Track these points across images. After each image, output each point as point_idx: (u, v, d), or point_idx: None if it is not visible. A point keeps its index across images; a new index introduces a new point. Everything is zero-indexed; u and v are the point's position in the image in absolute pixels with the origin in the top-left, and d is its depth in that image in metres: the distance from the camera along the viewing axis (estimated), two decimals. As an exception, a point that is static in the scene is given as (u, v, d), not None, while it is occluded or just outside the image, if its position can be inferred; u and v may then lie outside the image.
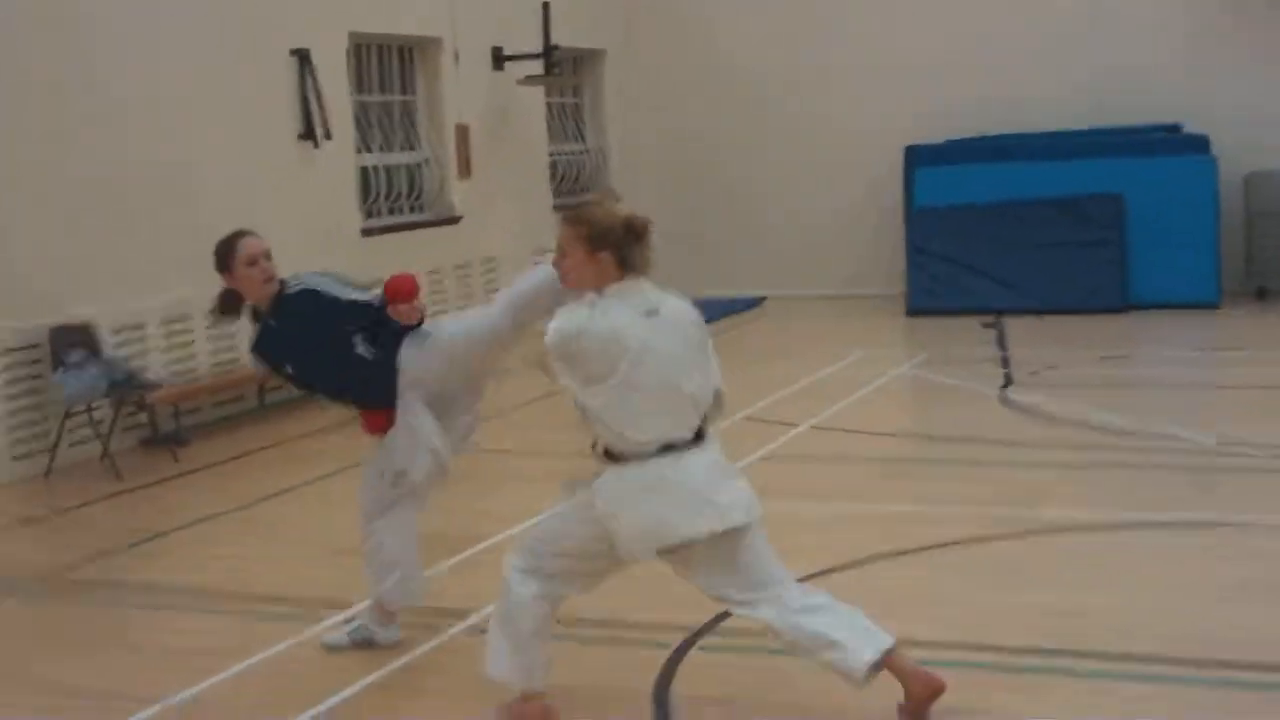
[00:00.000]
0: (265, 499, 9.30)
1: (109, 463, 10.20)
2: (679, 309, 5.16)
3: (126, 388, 10.29)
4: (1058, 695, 5.57)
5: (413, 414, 6.12)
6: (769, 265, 18.66)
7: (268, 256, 6.15)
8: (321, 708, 5.72)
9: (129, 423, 10.78)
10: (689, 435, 5.07)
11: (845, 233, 18.43)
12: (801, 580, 6.68)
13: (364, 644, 6.36)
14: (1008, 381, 12.18)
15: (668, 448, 5.01)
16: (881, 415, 11.18)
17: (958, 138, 17.56)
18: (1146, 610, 6.42)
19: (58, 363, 10.16)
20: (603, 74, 18.64)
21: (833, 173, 18.35)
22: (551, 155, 17.58)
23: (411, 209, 15.07)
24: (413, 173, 15.04)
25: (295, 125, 12.96)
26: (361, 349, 6.10)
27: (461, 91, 15.27)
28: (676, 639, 6.21)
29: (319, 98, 13.02)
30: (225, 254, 6.15)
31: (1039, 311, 15.99)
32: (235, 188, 11.86)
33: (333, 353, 6.11)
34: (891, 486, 8.93)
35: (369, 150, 14.36)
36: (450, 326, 6.25)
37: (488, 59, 15.78)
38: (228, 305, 6.35)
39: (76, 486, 9.92)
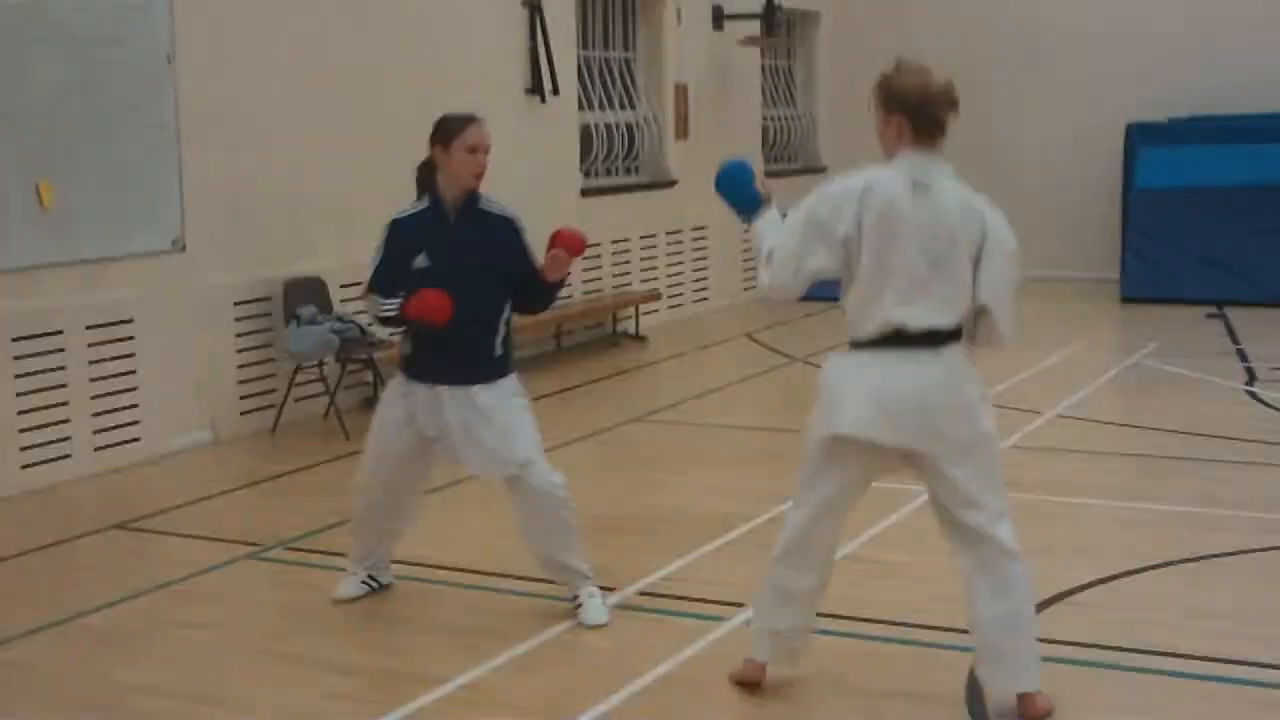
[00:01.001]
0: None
1: (336, 421, 9.97)
2: (957, 194, 4.95)
3: (358, 345, 10.04)
4: None
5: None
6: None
7: (488, 152, 5.98)
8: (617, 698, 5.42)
9: (350, 380, 10.55)
10: (923, 330, 4.84)
11: (1056, 212, 17.73)
12: (1101, 583, 6.34)
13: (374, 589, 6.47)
14: (1251, 377, 11.57)
15: (896, 337, 4.84)
16: (1126, 407, 10.67)
17: (1182, 116, 16.83)
18: None
19: (290, 317, 9.94)
20: (816, 37, 18.13)
21: (1050, 150, 17.72)
22: (764, 119, 17.07)
23: (627, 170, 14.72)
24: (630, 132, 14.66)
25: (524, 78, 12.62)
26: (506, 313, 6.05)
27: (682, 50, 14.86)
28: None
29: (548, 50, 12.68)
30: (452, 129, 5.96)
31: (1264, 304, 15.25)
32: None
33: (483, 286, 5.97)
34: (1162, 485, 8.42)
35: (590, 108, 14.00)
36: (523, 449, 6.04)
37: (708, 18, 15.34)
38: (423, 180, 6.12)
39: (304, 445, 9.71)
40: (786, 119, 17.74)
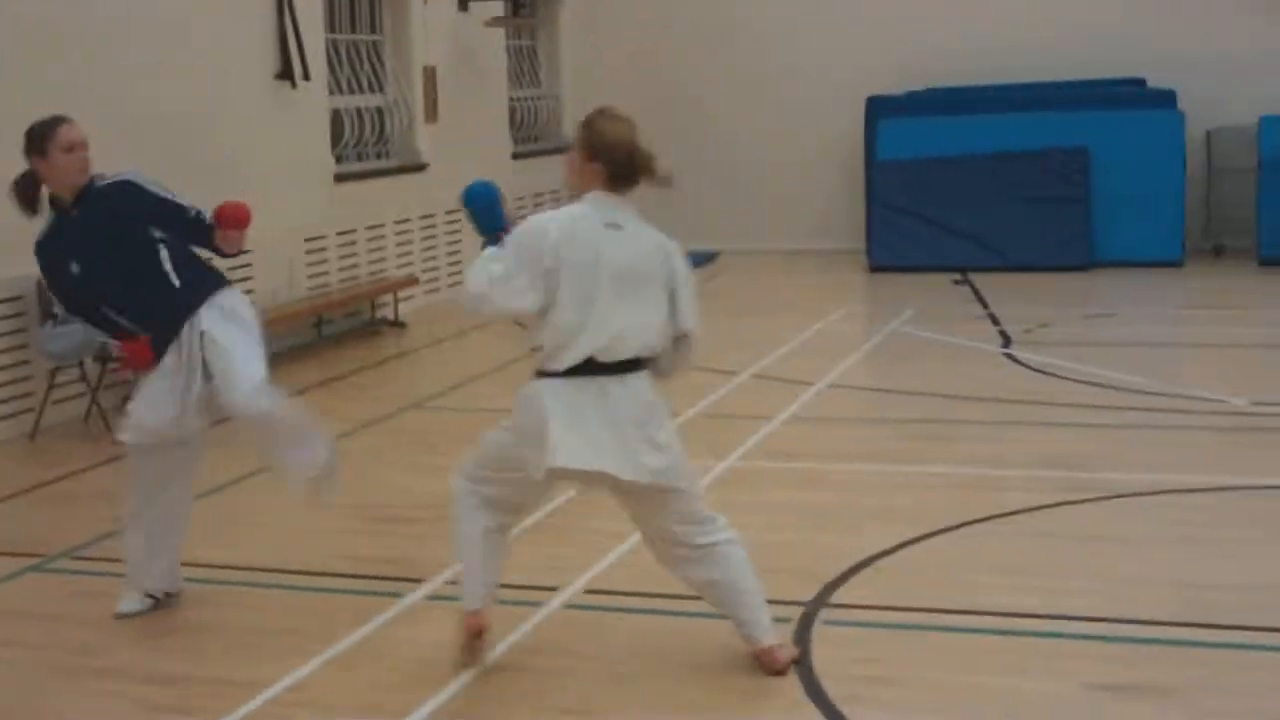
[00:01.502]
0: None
1: (99, 423, 9.61)
2: (647, 234, 5.21)
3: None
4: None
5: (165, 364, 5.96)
6: (721, 219, 18.27)
7: (86, 146, 5.93)
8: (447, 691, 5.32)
9: (111, 379, 10.16)
10: (614, 361, 5.07)
11: (802, 186, 18.12)
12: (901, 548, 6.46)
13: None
14: (1006, 340, 11.96)
15: (588, 367, 5.04)
16: (893, 373, 10.90)
17: (919, 89, 17.29)
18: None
19: (45, 316, 9.53)
20: (558, 17, 18.09)
21: (790, 124, 18.03)
22: (510, 100, 16.99)
23: (378, 154, 14.50)
24: (380, 116, 14.44)
25: (273, 64, 12.32)
26: (169, 268, 5.96)
27: (428, 32, 14.68)
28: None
29: (297, 35, 12.40)
30: (42, 137, 5.89)
31: (1005, 268, 15.77)
32: (211, 128, 11.23)
33: (133, 256, 5.93)
34: (941, 448, 8.65)
35: (339, 92, 13.74)
36: (252, 390, 5.95)
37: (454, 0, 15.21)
38: (24, 191, 6.02)
39: (69, 449, 9.33)
40: (533, 100, 17.68)
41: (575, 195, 5.23)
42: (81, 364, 9.68)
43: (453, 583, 6.38)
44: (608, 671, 5.50)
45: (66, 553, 7.13)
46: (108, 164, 9.96)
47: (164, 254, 6.02)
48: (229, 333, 5.99)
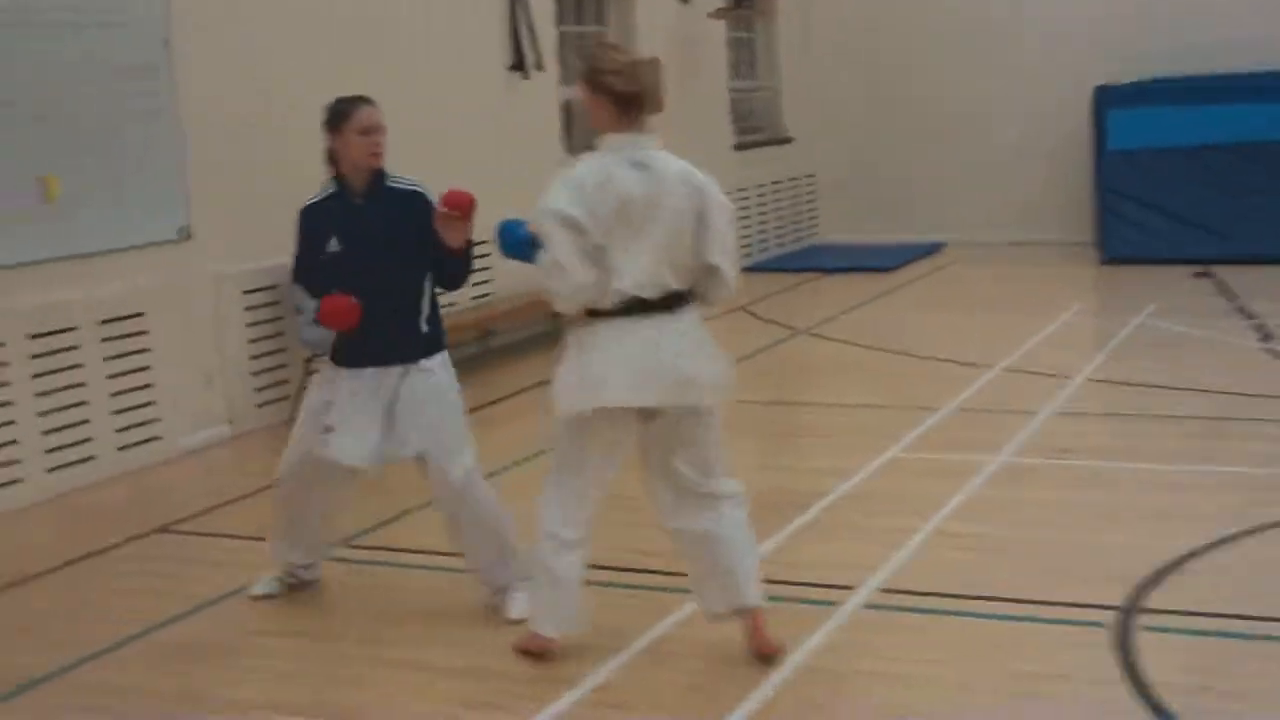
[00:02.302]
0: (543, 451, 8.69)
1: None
2: (675, 168, 5.20)
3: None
4: None
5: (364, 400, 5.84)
6: (944, 210, 17.93)
7: (382, 131, 5.88)
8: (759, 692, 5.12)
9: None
10: (659, 296, 5.11)
11: (1025, 177, 17.66)
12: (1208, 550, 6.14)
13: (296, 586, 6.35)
14: (1265, 334, 11.47)
15: (637, 306, 5.08)
16: (1152, 368, 10.46)
17: (1147, 79, 16.74)
18: None
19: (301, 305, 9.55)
20: (776, 9, 17.84)
21: (1013, 114, 17.59)
22: (730, 93, 16.78)
23: (604, 145, 14.38)
24: (608, 107, 14.32)
25: (505, 55, 12.26)
26: (425, 303, 5.89)
27: (652, 23, 14.54)
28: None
29: (530, 27, 12.32)
30: (341, 114, 5.87)
31: (1243, 261, 15.19)
32: (442, 119, 11.19)
33: (397, 265, 5.83)
34: (1223, 447, 8.28)
35: (568, 83, 13.64)
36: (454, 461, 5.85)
37: (677, -10, 15.07)
38: (331, 166, 5.99)
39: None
40: (751, 91, 17.46)
41: (600, 135, 5.22)
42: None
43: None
44: (924, 675, 5.26)
45: (344, 541, 7.05)
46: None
47: (428, 287, 5.94)
48: (442, 400, 5.91)
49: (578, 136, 13.73)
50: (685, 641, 5.67)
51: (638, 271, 5.09)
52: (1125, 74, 16.69)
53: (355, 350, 5.87)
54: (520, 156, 12.10)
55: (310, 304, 5.87)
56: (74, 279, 8.30)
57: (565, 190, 5.07)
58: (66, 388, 8.26)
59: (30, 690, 5.48)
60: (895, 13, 17.93)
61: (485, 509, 5.94)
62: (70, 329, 8.27)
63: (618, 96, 5.14)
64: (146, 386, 8.76)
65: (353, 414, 5.84)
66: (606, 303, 5.12)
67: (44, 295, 8.13)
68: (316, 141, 9.71)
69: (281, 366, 9.79)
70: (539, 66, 12.47)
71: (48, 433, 8.18)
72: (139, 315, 8.71)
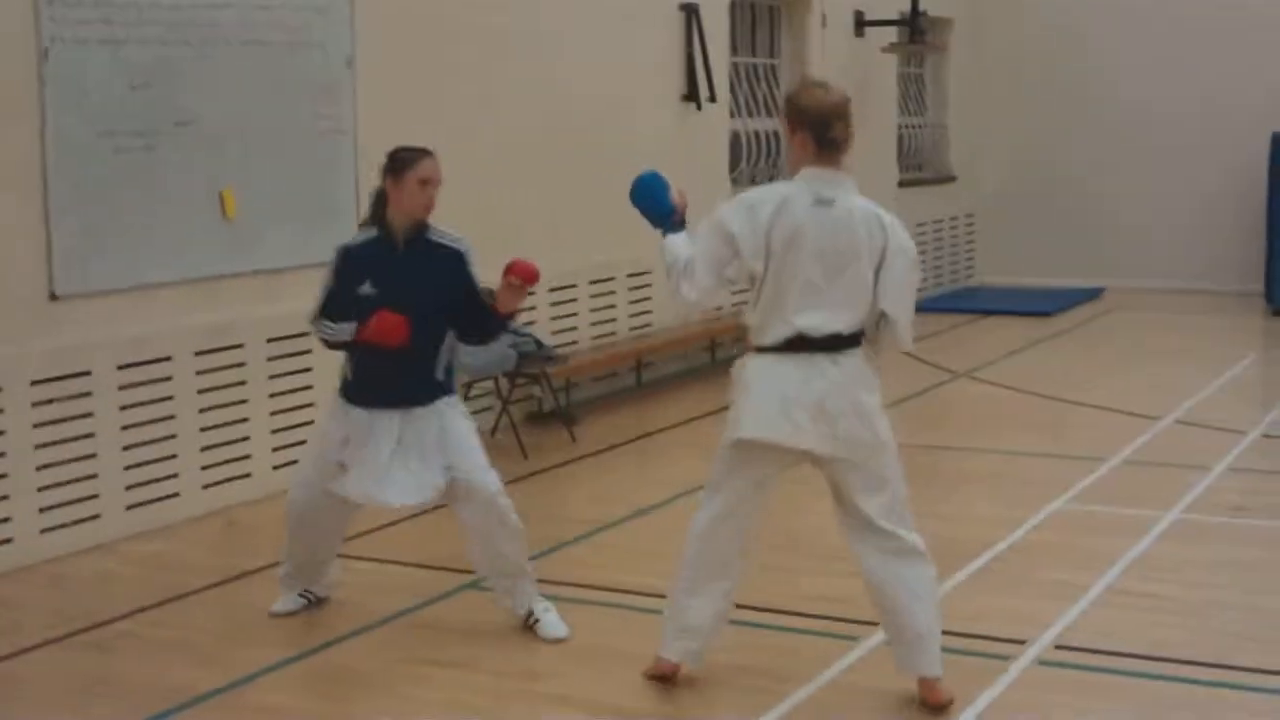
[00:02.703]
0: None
1: (509, 438, 9.56)
2: (859, 208, 5.14)
3: (533, 359, 9.62)
4: None
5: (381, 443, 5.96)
6: (1105, 254, 17.56)
7: (438, 185, 6.02)
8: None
9: (518, 394, 10.14)
10: (824, 335, 5.06)
11: (1191, 222, 17.27)
12: None
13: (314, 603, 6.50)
14: None
15: (798, 343, 5.05)
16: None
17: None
18: None
19: (463, 330, 9.53)
20: (948, 45, 17.63)
21: (1184, 158, 17.17)
22: (898, 128, 16.59)
23: (770, 178, 14.26)
24: (774, 140, 14.21)
25: (680, 85, 12.21)
26: (441, 353, 6.05)
27: (826, 57, 14.40)
28: None
29: (705, 57, 12.25)
30: (404, 162, 5.99)
31: None
32: (616, 147, 11.13)
33: (426, 315, 5.93)
34: None
35: (738, 115, 13.56)
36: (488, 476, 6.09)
37: (850, 23, 14.89)
38: (375, 210, 6.11)
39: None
40: (917, 127, 17.25)
41: (794, 171, 5.24)
42: (497, 379, 9.64)
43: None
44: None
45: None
46: (533, 169, 10.17)
47: (449, 339, 6.11)
48: (464, 428, 6.10)
49: (743, 168, 13.66)
50: (851, 690, 5.51)
51: (805, 307, 5.06)
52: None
53: (369, 391, 6.04)
54: (689, 186, 11.95)
55: (334, 328, 6.04)
56: (251, 296, 8.36)
57: (738, 206, 5.14)
58: (232, 404, 8.30)
59: (191, 707, 5.46)
60: (1067, 53, 17.60)
61: (516, 525, 6.12)
62: (238, 345, 8.31)
63: (818, 134, 5.14)
64: (310, 405, 8.77)
65: (366, 452, 5.99)
66: (769, 338, 5.13)
67: (216, 313, 8.18)
68: (492, 172, 9.83)
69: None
70: (712, 98, 12.38)
71: (276, 431, 8.36)
72: (305, 335, 8.71)
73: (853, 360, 5.15)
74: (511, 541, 6.12)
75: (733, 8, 13.11)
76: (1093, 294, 17.04)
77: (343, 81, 8.94)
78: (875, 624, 5.69)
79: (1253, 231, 16.64)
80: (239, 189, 8.27)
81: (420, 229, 6.05)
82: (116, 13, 7.64)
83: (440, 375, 6.08)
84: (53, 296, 7.41)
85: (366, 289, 5.95)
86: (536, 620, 6.15)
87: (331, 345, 6.13)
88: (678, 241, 5.27)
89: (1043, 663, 5.76)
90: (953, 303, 16.60)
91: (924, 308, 16.08)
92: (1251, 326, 15.03)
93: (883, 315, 5.19)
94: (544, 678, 5.70)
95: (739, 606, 5.71)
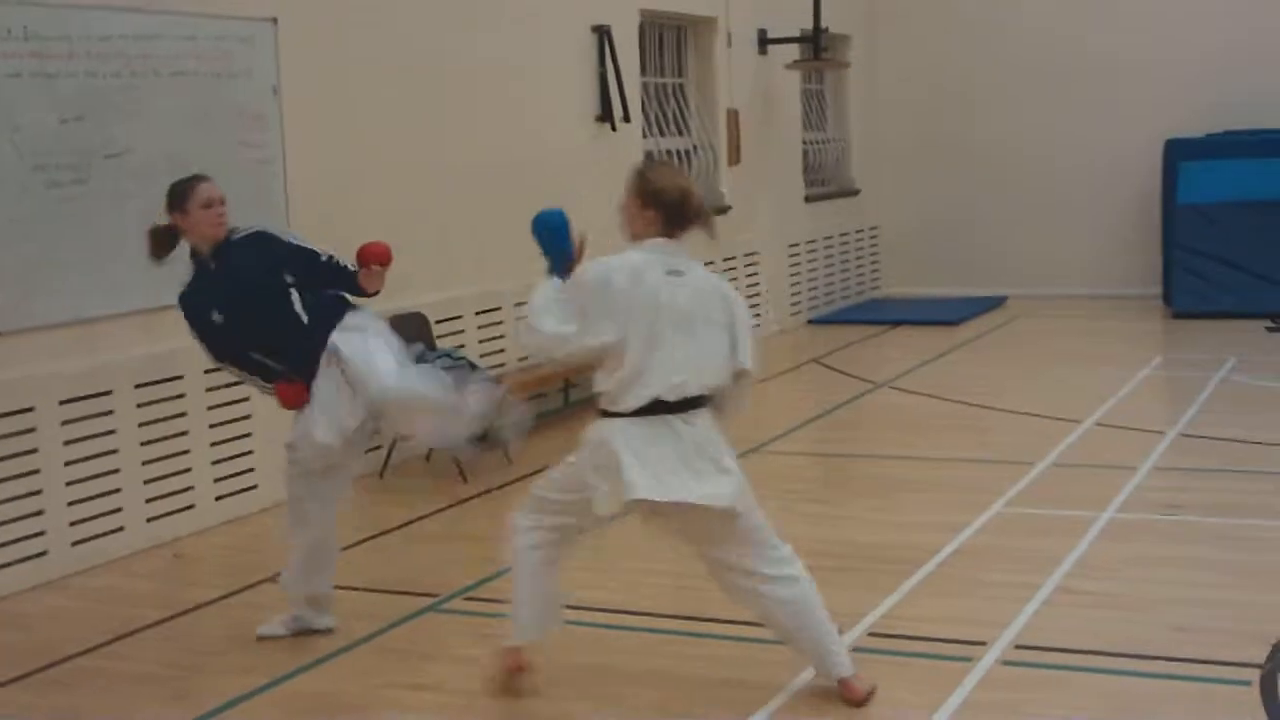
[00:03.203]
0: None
1: (446, 463, 9.59)
2: (707, 279, 5.40)
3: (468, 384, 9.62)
4: None
5: (321, 388, 6.22)
6: (1007, 263, 17.87)
7: (223, 202, 6.25)
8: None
9: (449, 418, 10.14)
10: (678, 399, 5.24)
11: (1089, 229, 17.62)
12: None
13: (302, 632, 6.51)
14: (1362, 389, 11.41)
15: (657, 407, 5.21)
16: (1246, 424, 10.27)
17: (1219, 132, 16.70)
18: None
19: (397, 356, 9.54)
20: (846, 59, 17.87)
21: (1079, 167, 17.53)
22: (802, 144, 16.80)
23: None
24: (686, 158, 14.35)
25: (593, 106, 12.31)
26: (299, 308, 6.26)
27: (731, 74, 14.57)
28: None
29: (619, 77, 12.36)
30: (182, 194, 6.23)
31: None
32: (537, 169, 11.23)
33: (269, 302, 6.21)
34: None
35: (649, 134, 13.68)
36: (385, 378, 6.24)
37: (754, 41, 15.07)
38: (160, 243, 6.35)
39: (420, 487, 9.33)
40: (820, 143, 17.48)
41: (634, 241, 5.39)
42: (433, 404, 9.65)
43: (874, 633, 6.21)
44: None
45: (458, 593, 7.04)
46: (448, 199, 10.21)
47: (294, 296, 6.30)
48: (355, 341, 6.27)
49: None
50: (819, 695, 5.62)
51: (661, 375, 5.22)
52: (1196, 127, 16.67)
53: (290, 376, 6.30)
54: (606, 205, 12.07)
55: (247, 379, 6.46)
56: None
57: (595, 278, 5.26)
58: (174, 435, 8.26)
59: (167, 740, 5.46)
60: (961, 67, 17.94)
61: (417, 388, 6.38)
62: (178, 376, 8.27)
63: (669, 212, 5.32)
64: (250, 435, 8.75)
65: (321, 404, 6.23)
66: (625, 404, 5.26)
67: (155, 345, 8.14)
68: (415, 195, 9.86)
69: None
70: (626, 118, 12.49)
71: (217, 462, 8.37)
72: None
73: (703, 419, 5.36)
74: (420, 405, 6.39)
75: (642, 28, 13.23)
76: (996, 303, 17.34)
77: (269, 110, 8.94)
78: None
79: (1149, 236, 17.04)
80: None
81: (223, 242, 6.30)
82: (47, 45, 7.61)
83: (306, 317, 6.29)
84: (-7, 332, 7.35)
85: (216, 318, 6.25)
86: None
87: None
88: (550, 291, 5.38)
89: (1006, 662, 5.89)
90: (860, 314, 16.83)
91: (831, 319, 16.52)
92: (1154, 329, 15.37)
93: (742, 372, 5.43)
94: (526, 697, 5.73)
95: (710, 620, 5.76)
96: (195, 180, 6.27)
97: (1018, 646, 6.06)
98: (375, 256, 6.28)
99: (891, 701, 5.51)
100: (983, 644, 6.05)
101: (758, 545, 5.46)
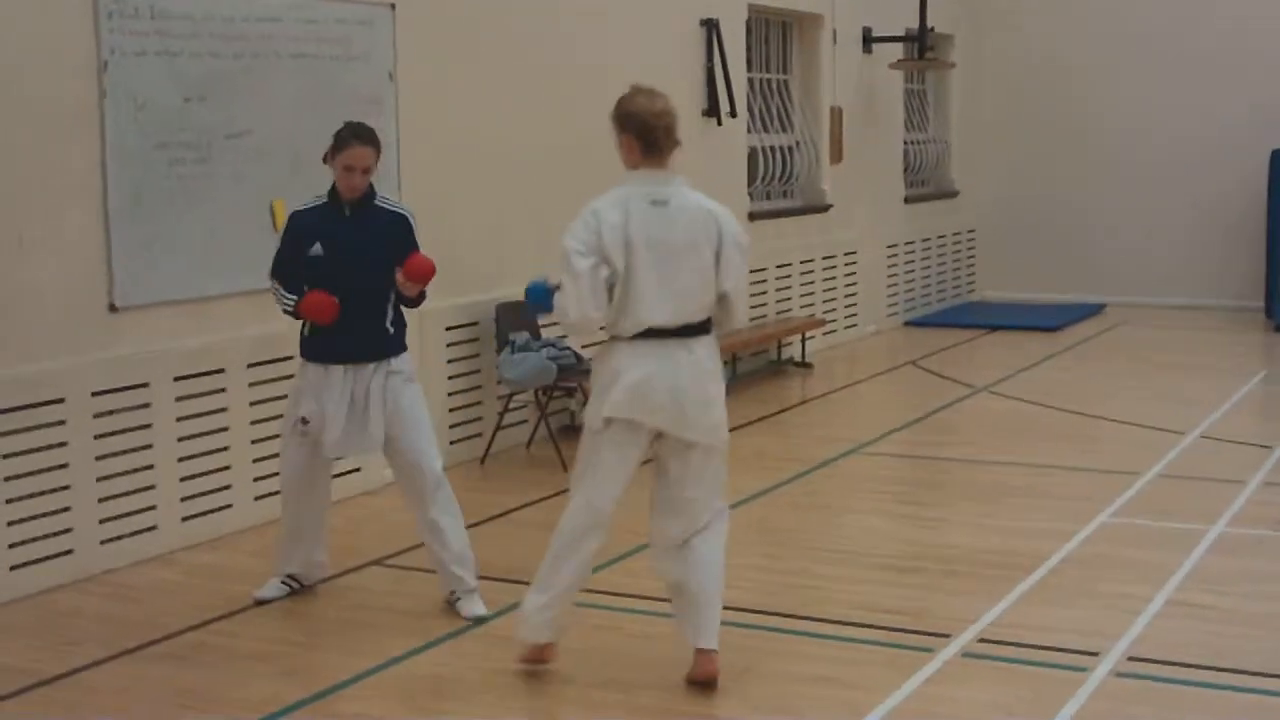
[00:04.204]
0: (745, 500, 8.65)
1: (548, 451, 9.62)
2: (693, 203, 5.54)
3: (571, 372, 9.66)
4: None
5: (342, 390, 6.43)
6: (1107, 270, 17.70)
7: (366, 172, 6.42)
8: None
9: (553, 407, 10.17)
10: (676, 325, 5.43)
11: (1193, 239, 17.42)
12: None
13: (297, 591, 6.88)
14: None
15: (652, 333, 5.40)
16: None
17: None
18: None
19: (502, 343, 9.58)
20: (950, 60, 17.74)
21: (1185, 174, 17.32)
22: (904, 144, 16.70)
23: (784, 194, 14.36)
24: (788, 155, 14.30)
25: (700, 100, 12.28)
26: (389, 307, 6.53)
27: (836, 72, 14.50)
28: None
29: (726, 73, 12.34)
30: (336, 145, 6.42)
31: None
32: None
33: (378, 277, 6.43)
34: None
35: (753, 130, 13.63)
36: (422, 443, 6.56)
37: (859, 40, 14.99)
38: (329, 162, 6.54)
39: (522, 475, 9.36)
40: (921, 143, 17.37)
41: (630, 171, 5.56)
42: (538, 392, 9.68)
43: (984, 640, 6.17)
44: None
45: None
46: (557, 182, 10.21)
47: (394, 295, 6.55)
48: (416, 394, 6.60)
49: (758, 185, 13.74)
50: (941, 701, 5.58)
51: (654, 301, 5.41)
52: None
53: (326, 348, 6.47)
54: (710, 197, 12.08)
55: (281, 294, 6.58)
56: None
57: (582, 227, 5.45)
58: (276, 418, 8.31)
59: (282, 717, 5.49)
60: (1066, 71, 17.77)
61: (456, 504, 6.62)
62: (289, 357, 8.31)
63: (642, 135, 5.51)
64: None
65: (325, 407, 6.45)
66: (625, 330, 5.46)
67: (269, 325, 8.19)
68: (521, 185, 9.89)
69: (477, 404, 9.81)
70: (732, 113, 12.46)
71: (257, 460, 8.25)
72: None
73: (705, 347, 5.54)
74: (455, 525, 6.62)
75: (749, 23, 13.19)
76: (1094, 310, 17.17)
77: (385, 94, 8.99)
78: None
79: (1253, 247, 16.84)
80: (293, 200, 8.28)
81: (367, 196, 6.50)
82: (172, 25, 7.68)
83: (391, 329, 6.55)
84: (112, 308, 7.43)
85: (316, 250, 6.41)
86: (458, 599, 6.59)
87: (284, 311, 6.58)
88: (560, 282, 5.57)
89: (1119, 674, 5.83)
90: (956, 317, 16.70)
91: (930, 322, 16.41)
92: (1255, 342, 15.16)
93: (722, 295, 5.53)
94: (631, 689, 5.74)
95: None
96: (352, 140, 6.41)
97: (1130, 658, 6.00)
98: (420, 273, 6.46)
99: (1003, 709, 5.48)
100: (1095, 654, 5.99)
101: (712, 490, 5.66)
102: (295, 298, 6.45)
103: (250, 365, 8.13)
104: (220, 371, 7.96)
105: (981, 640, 6.20)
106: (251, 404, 8.13)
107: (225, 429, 8.00)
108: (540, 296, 5.70)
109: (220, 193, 7.97)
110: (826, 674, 5.82)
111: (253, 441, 8.14)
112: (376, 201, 6.55)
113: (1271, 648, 6.11)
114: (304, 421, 6.51)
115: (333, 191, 6.51)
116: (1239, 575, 7.14)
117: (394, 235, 6.51)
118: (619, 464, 5.60)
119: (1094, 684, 5.71)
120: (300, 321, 6.58)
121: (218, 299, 7.98)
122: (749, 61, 13.41)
